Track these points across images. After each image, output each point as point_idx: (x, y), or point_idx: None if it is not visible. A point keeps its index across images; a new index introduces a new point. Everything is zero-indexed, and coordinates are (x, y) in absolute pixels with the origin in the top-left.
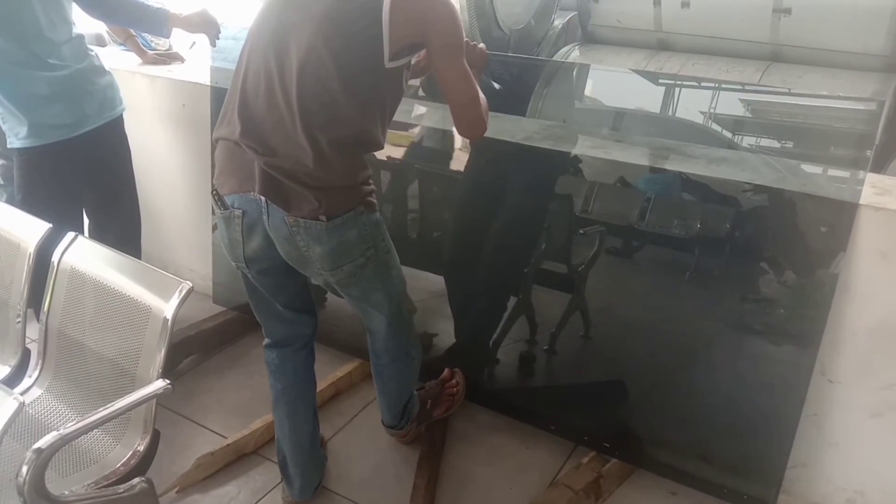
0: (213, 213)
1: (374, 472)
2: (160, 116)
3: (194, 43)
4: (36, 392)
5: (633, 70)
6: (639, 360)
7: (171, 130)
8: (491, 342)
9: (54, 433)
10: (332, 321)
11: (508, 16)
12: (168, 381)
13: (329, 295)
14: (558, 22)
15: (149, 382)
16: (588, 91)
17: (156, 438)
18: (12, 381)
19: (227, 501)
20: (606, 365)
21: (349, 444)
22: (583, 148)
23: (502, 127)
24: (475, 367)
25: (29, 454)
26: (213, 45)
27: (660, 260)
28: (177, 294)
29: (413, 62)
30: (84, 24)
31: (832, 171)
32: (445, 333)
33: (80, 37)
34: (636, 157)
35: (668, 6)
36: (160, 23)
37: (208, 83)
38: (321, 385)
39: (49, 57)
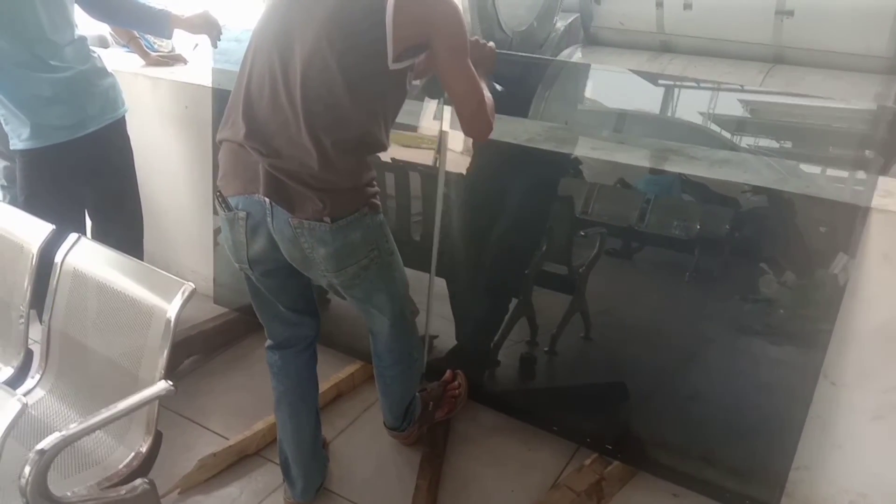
0: (215, 213)
1: (376, 473)
2: (162, 118)
3: (196, 45)
4: (39, 393)
5: (635, 71)
6: (641, 362)
7: (174, 132)
8: (492, 344)
9: (57, 434)
10: (334, 323)
11: (511, 18)
12: (170, 383)
13: (331, 296)
14: (560, 24)
15: (151, 383)
16: (590, 93)
17: (158, 439)
18: (15, 382)
19: (229, 503)
20: (608, 366)
21: (351, 446)
22: (584, 150)
23: (505, 128)
24: (477, 369)
25: (32, 455)
26: (215, 46)
27: (661, 261)
28: (179, 295)
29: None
30: (87, 25)
31: (840, 174)
32: (447, 335)
33: (83, 38)
34: (640, 158)
35: (671, 8)
36: (162, 24)
37: (210, 85)
38: (323, 386)
39: (51, 59)
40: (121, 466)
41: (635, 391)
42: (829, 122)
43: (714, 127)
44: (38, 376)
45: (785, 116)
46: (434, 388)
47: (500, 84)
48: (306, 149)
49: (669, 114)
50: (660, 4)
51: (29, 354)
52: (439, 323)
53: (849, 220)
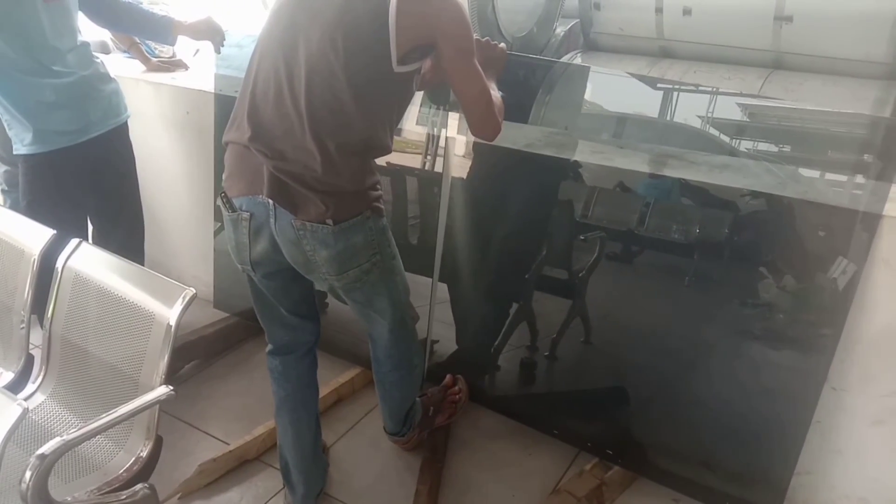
0: (216, 219)
1: (377, 478)
2: (164, 123)
3: (198, 50)
4: (39, 398)
5: (635, 75)
6: (642, 367)
7: (175, 137)
8: (493, 348)
9: (58, 439)
10: (334, 328)
11: (511, 23)
12: (171, 388)
13: (331, 300)
14: (560, 30)
15: (151, 388)
16: (591, 97)
17: (158, 444)
18: (16, 386)
19: None
20: (609, 371)
21: (351, 451)
22: (585, 155)
23: (504, 134)
24: (477, 373)
25: (32, 460)
26: (218, 52)
27: (662, 265)
28: (180, 300)
29: (423, 70)
30: (88, 31)
31: (842, 179)
32: (448, 340)
33: (86, 44)
34: (640, 163)
35: (670, 14)
36: (165, 30)
37: (212, 90)
38: (323, 391)
39: (54, 64)
40: (121, 471)
41: (636, 396)
42: (834, 128)
43: (714, 131)
44: (38, 381)
45: (786, 122)
46: (434, 392)
47: (500, 90)
48: (310, 152)
49: (669, 118)
50: (659, 10)
51: (30, 359)
52: (440, 328)
53: (855, 226)
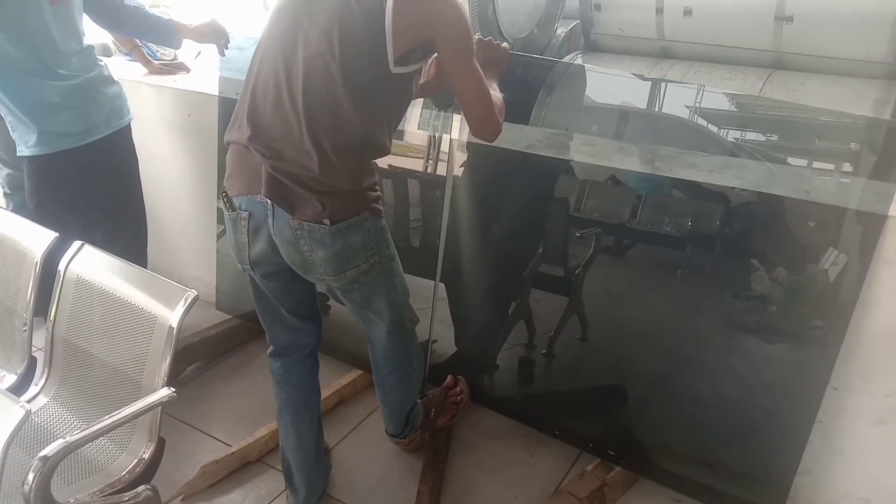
0: (218, 221)
1: (379, 479)
2: (165, 126)
3: (199, 53)
4: (42, 400)
5: (636, 75)
6: (643, 367)
7: (177, 140)
8: (492, 347)
9: (60, 441)
10: (336, 330)
11: (511, 25)
12: (173, 389)
13: (331, 303)
14: (561, 31)
15: (154, 390)
16: (591, 98)
17: (161, 446)
18: (19, 389)
19: None
20: (608, 369)
21: (353, 452)
22: (584, 155)
23: (504, 135)
24: (478, 373)
25: (35, 462)
26: (223, 54)
27: (658, 261)
28: (182, 302)
29: (428, 77)
30: (90, 33)
31: (845, 180)
32: (447, 340)
33: (91, 47)
34: (639, 164)
35: (671, 14)
36: (170, 34)
37: (214, 93)
38: (325, 393)
39: (59, 67)
40: (123, 473)
41: (637, 395)
42: (836, 128)
43: (714, 129)
44: (41, 383)
45: (788, 123)
46: (436, 394)
47: (501, 90)
48: (307, 152)
49: (669, 118)
50: (660, 11)
51: (32, 362)
52: (439, 327)
53: (859, 226)
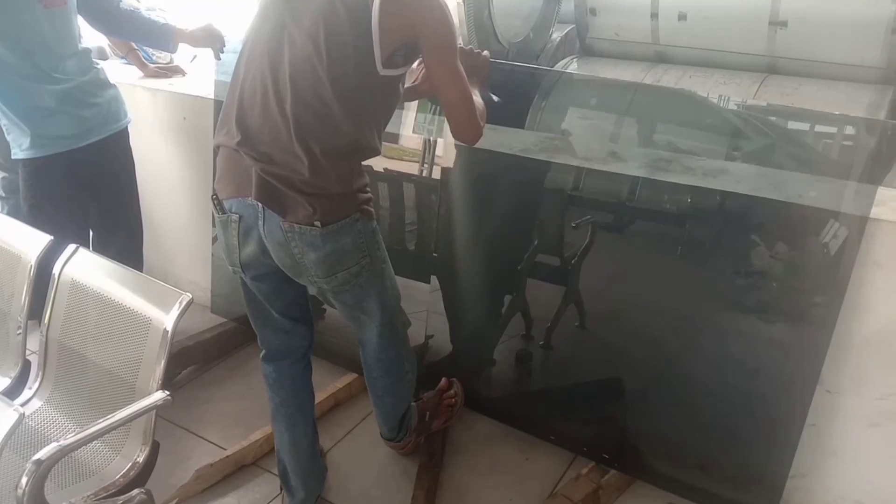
0: (213, 224)
1: (374, 483)
2: (161, 129)
3: (195, 56)
4: (36, 403)
5: (631, 81)
6: (638, 357)
7: (172, 143)
8: (488, 343)
9: (54, 444)
10: (331, 333)
11: (507, 29)
12: (168, 393)
13: (327, 307)
14: (556, 35)
15: (148, 394)
16: (586, 102)
17: (155, 450)
18: (12, 392)
19: None
20: (605, 362)
21: (349, 456)
22: (580, 160)
23: (500, 140)
24: (473, 374)
25: (29, 465)
26: (219, 58)
27: (654, 258)
28: (177, 306)
29: (417, 81)
30: (86, 36)
31: (835, 184)
32: (442, 342)
33: (87, 50)
34: (635, 168)
35: (666, 19)
36: (166, 38)
37: (209, 96)
38: (320, 397)
39: (54, 71)
40: (118, 477)
41: (632, 391)
42: (824, 132)
43: (709, 135)
44: (35, 387)
45: (779, 126)
46: (430, 397)
47: (497, 95)
48: (297, 156)
49: (666, 123)
50: (655, 15)
51: (26, 365)
52: (435, 321)
53: (845, 229)
